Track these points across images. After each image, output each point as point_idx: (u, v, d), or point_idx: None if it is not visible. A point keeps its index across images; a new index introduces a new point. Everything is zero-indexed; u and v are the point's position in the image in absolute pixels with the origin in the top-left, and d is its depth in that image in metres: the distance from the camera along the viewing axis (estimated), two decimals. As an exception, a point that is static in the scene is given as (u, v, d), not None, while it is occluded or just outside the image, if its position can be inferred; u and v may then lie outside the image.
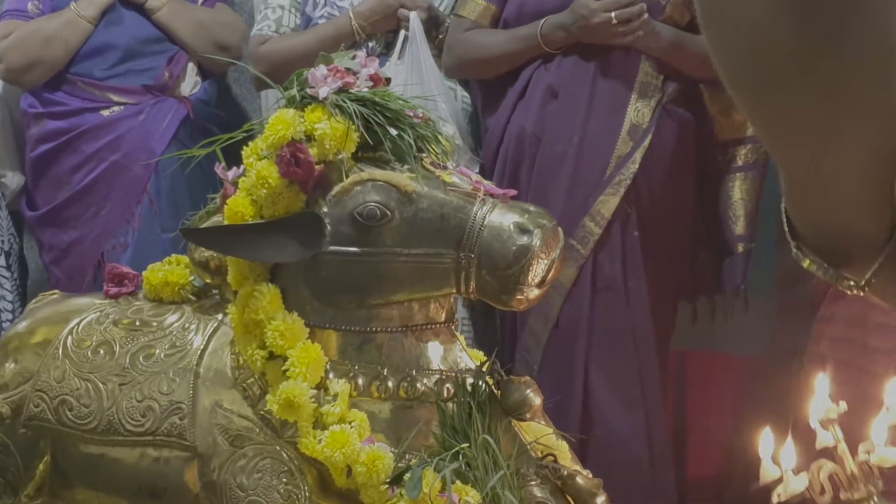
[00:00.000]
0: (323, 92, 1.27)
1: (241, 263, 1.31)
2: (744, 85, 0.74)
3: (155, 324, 1.41)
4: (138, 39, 2.63)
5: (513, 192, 1.31)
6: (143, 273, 1.48)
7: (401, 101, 1.30)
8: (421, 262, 1.25)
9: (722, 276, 2.24)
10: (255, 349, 1.28)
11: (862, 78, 0.69)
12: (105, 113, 2.62)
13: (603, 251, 2.13)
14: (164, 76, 2.65)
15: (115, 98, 2.63)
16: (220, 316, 1.39)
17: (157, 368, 1.36)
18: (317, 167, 1.26)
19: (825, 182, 0.82)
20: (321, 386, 1.26)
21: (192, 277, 1.46)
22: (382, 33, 2.35)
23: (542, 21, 2.14)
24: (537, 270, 1.22)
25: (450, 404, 1.27)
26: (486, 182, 1.32)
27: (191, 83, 2.71)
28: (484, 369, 1.31)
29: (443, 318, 1.32)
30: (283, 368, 1.25)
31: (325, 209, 1.26)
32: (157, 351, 1.37)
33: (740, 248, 2.20)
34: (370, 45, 2.31)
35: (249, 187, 1.26)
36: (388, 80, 1.34)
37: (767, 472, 1.22)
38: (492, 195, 1.28)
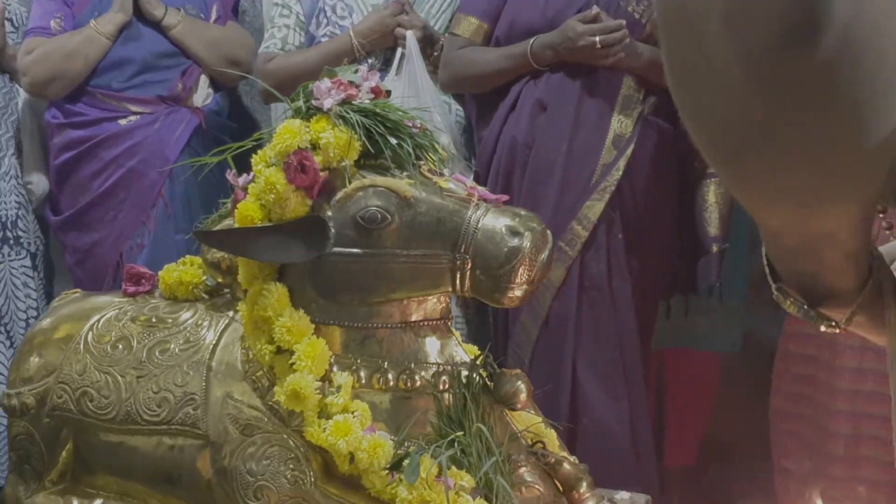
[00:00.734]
0: (327, 103, 1.26)
1: (250, 264, 1.30)
2: (719, 155, 0.70)
3: (170, 320, 1.40)
4: (154, 54, 2.63)
5: (505, 197, 1.31)
6: (159, 273, 1.48)
7: (400, 112, 1.30)
8: (419, 263, 1.25)
9: (697, 275, 2.24)
10: (263, 344, 1.28)
11: (838, 153, 0.65)
12: (122, 122, 2.62)
13: (589, 252, 2.14)
14: (178, 88, 2.65)
15: (132, 108, 2.63)
16: (231, 313, 1.39)
17: (172, 362, 1.35)
18: (321, 174, 1.25)
19: (804, 242, 0.80)
20: (326, 378, 1.26)
21: (204, 277, 1.46)
22: (381, 50, 2.35)
23: (532, 40, 2.14)
24: (527, 270, 1.22)
25: (446, 395, 1.26)
26: (480, 188, 1.32)
27: (203, 95, 2.71)
28: (478, 363, 1.31)
29: (439, 314, 1.32)
30: (290, 362, 1.24)
31: (330, 213, 1.26)
32: (172, 346, 1.37)
33: (714, 248, 2.20)
34: (369, 61, 2.30)
35: (258, 193, 1.26)
36: (389, 93, 1.34)
37: None
38: (485, 200, 1.28)
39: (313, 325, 1.28)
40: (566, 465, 1.32)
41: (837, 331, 0.88)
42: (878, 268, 0.85)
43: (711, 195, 2.25)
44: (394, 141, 1.27)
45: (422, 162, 1.30)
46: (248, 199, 1.28)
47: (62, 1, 2.66)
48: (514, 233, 1.22)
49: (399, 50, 2.29)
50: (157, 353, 1.37)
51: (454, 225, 1.24)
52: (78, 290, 1.64)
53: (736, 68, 0.60)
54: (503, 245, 1.22)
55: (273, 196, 1.24)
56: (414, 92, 2.19)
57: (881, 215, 0.88)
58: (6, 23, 2.79)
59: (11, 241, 2.77)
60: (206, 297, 1.46)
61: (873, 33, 0.59)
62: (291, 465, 1.25)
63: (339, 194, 1.26)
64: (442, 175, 1.31)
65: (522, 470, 1.28)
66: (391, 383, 1.27)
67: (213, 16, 2.73)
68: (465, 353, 1.32)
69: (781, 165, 0.66)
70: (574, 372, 2.12)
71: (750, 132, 0.64)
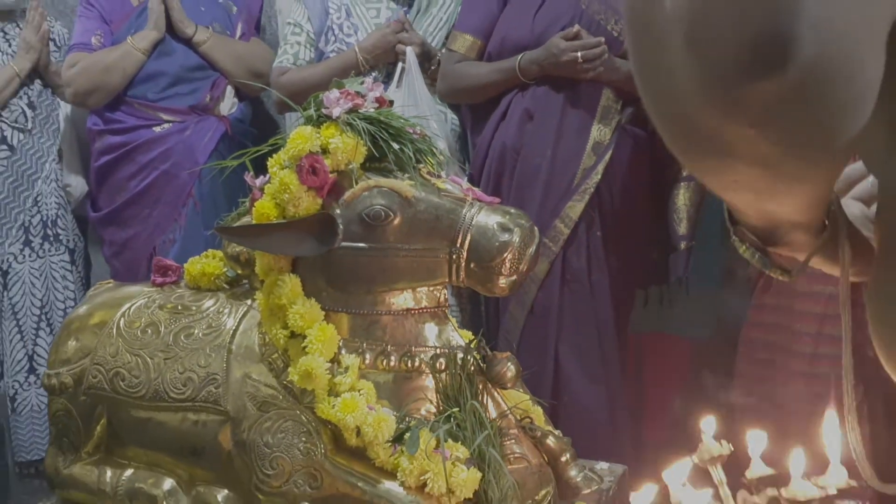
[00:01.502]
0: (336, 112, 1.25)
1: (266, 257, 1.28)
2: (675, 149, 0.63)
3: (194, 308, 1.38)
4: (185, 67, 2.63)
5: (497, 199, 1.29)
6: (185, 265, 1.46)
7: (402, 120, 1.28)
8: (419, 256, 1.23)
9: (668, 269, 2.23)
10: (278, 329, 1.25)
11: (796, 159, 0.59)
12: (157, 129, 2.61)
13: (571, 248, 2.13)
14: (207, 98, 2.63)
15: (165, 117, 2.62)
16: (249, 301, 1.37)
17: (196, 345, 1.33)
18: (331, 175, 1.23)
19: (763, 217, 0.75)
20: (335, 360, 1.24)
21: (225, 269, 1.44)
22: (384, 65, 2.34)
23: (520, 56, 2.14)
24: (516, 263, 1.20)
25: (443, 375, 1.25)
26: (476, 189, 1.30)
27: (229, 104, 2.70)
28: (472, 346, 1.29)
29: (437, 303, 1.30)
30: (303, 345, 1.22)
31: (338, 211, 1.24)
32: (196, 331, 1.34)
33: (683, 245, 2.19)
34: (373, 74, 2.30)
35: (274, 192, 1.24)
36: (392, 102, 1.32)
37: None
38: (479, 200, 1.26)
39: (323, 313, 1.25)
40: (551, 439, 1.31)
41: (789, 279, 0.82)
42: (834, 213, 0.79)
43: (681, 197, 2.24)
44: (396, 146, 1.25)
45: (421, 165, 1.29)
46: (265, 198, 1.26)
47: (102, 19, 2.65)
48: (504, 229, 1.20)
49: (400, 64, 2.28)
50: (182, 338, 1.34)
51: (451, 222, 1.22)
52: (111, 280, 1.61)
53: (694, 86, 0.54)
54: (495, 240, 1.20)
55: (287, 195, 1.22)
56: (413, 102, 2.19)
57: None
58: (50, 42, 2.79)
59: (52, 238, 2.77)
60: (226, 287, 1.43)
61: (845, 51, 0.52)
62: (304, 438, 1.22)
63: (347, 194, 1.24)
64: (439, 177, 1.30)
65: (512, 442, 1.26)
66: (394, 365, 1.25)
67: (238, 32, 2.72)
68: (460, 337, 1.30)
69: (733, 169, 0.61)
70: (557, 355, 2.12)
71: (703, 140, 0.59)
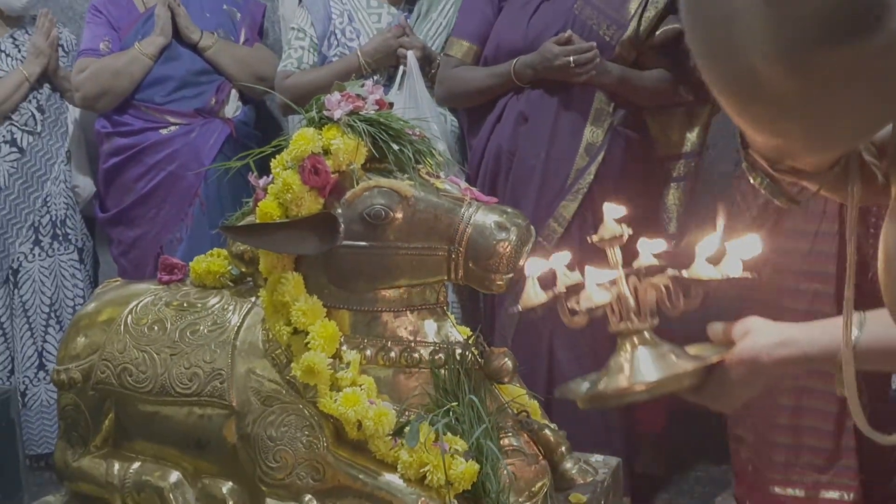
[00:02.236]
0: (337, 114, 1.23)
1: (270, 255, 1.26)
2: (722, 98, 0.59)
3: (199, 305, 1.36)
4: (191, 72, 2.61)
5: (495, 199, 1.28)
6: (190, 263, 1.44)
7: (401, 122, 1.27)
8: (418, 254, 1.21)
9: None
10: (282, 325, 1.24)
11: (853, 120, 0.56)
12: (163, 132, 2.60)
13: (564, 247, 2.11)
14: (212, 101, 2.62)
15: (172, 119, 2.61)
16: (253, 298, 1.35)
17: (202, 342, 1.31)
18: (332, 176, 1.22)
19: (781, 159, 0.72)
20: (337, 356, 1.22)
21: (230, 267, 1.42)
22: (385, 68, 2.32)
23: (515, 61, 2.13)
24: (513, 261, 1.19)
25: (442, 370, 1.23)
26: (474, 189, 1.29)
27: (233, 107, 2.69)
28: (470, 342, 1.28)
29: (436, 300, 1.28)
30: (305, 341, 1.21)
31: (339, 210, 1.22)
32: (202, 327, 1.33)
33: (672, 243, 2.18)
34: (375, 78, 2.28)
35: (277, 192, 1.22)
36: (391, 105, 1.30)
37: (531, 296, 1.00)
38: (477, 200, 1.25)
39: (325, 309, 1.24)
40: (547, 432, 1.30)
41: (791, 205, 0.80)
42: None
43: (671, 197, 2.24)
44: (396, 147, 1.24)
45: (420, 166, 1.27)
46: (268, 198, 1.24)
47: (110, 25, 2.64)
48: (501, 228, 1.19)
49: (401, 68, 2.27)
50: (188, 334, 1.33)
51: (449, 221, 1.20)
52: (119, 278, 1.60)
53: (768, 43, 0.50)
54: (492, 239, 1.19)
55: (290, 195, 1.21)
56: (414, 104, 2.18)
57: None
58: (58, 48, 2.78)
59: (60, 238, 2.76)
60: (231, 284, 1.42)
61: None
62: (306, 432, 1.21)
63: (348, 194, 1.22)
64: (438, 177, 1.28)
65: (509, 436, 1.25)
66: (394, 360, 1.24)
67: (242, 38, 2.71)
68: (458, 333, 1.28)
69: (780, 120, 0.57)
70: (551, 351, 2.11)
71: (761, 93, 0.54)
